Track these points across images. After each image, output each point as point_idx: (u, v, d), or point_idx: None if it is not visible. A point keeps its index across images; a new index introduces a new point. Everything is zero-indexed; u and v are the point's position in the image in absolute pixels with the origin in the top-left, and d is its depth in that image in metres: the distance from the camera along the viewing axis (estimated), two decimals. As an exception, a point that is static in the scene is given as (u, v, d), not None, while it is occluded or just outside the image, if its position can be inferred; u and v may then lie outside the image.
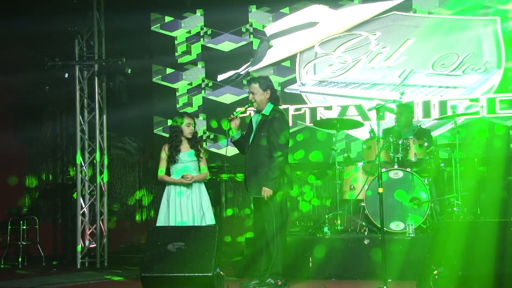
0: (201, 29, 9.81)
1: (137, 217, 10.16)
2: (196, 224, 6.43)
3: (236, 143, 6.51)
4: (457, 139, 7.50)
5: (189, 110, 9.60)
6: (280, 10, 9.59)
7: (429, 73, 9.10)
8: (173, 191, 6.54)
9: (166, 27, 9.92)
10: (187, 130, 6.60)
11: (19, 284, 7.31)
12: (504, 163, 8.53)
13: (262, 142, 6.24)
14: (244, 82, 9.45)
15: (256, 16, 9.68)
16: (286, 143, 6.28)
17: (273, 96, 6.40)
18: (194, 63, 9.81)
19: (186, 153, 6.59)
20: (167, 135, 6.95)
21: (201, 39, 9.81)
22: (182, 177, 6.49)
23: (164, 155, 6.62)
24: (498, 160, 8.49)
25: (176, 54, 9.85)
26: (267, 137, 6.22)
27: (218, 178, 9.60)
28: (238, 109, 6.51)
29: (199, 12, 9.84)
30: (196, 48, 9.82)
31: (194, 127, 6.68)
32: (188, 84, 9.80)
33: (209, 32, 9.79)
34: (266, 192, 6.12)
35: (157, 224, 6.53)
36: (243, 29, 9.69)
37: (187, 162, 6.58)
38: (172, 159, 6.56)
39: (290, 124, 9.05)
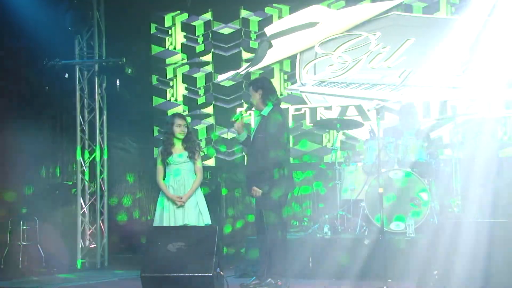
0: (202, 27, 9.80)
1: (137, 217, 10.15)
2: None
3: (243, 144, 6.69)
4: (457, 139, 7.50)
5: (190, 109, 9.62)
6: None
7: (429, 73, 9.09)
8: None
9: (166, 26, 9.91)
10: (177, 130, 6.56)
11: (19, 284, 7.31)
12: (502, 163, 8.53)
13: (260, 142, 6.29)
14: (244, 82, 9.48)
15: (253, 15, 9.69)
16: (284, 143, 6.31)
17: (266, 95, 6.40)
18: (194, 61, 9.80)
19: (177, 155, 6.54)
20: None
21: (201, 38, 9.80)
22: (177, 198, 6.44)
23: (159, 157, 6.63)
24: (497, 160, 8.47)
25: (176, 53, 9.85)
26: (264, 138, 6.25)
27: (218, 178, 9.59)
28: (238, 111, 6.52)
29: (199, 11, 9.83)
30: (196, 47, 9.82)
31: (188, 127, 6.64)
32: (187, 83, 9.80)
33: (210, 31, 9.78)
34: (256, 192, 6.20)
35: (153, 225, 6.53)
36: (242, 30, 9.70)
37: (180, 164, 6.53)
38: (165, 161, 6.56)
39: (290, 124, 9.06)
